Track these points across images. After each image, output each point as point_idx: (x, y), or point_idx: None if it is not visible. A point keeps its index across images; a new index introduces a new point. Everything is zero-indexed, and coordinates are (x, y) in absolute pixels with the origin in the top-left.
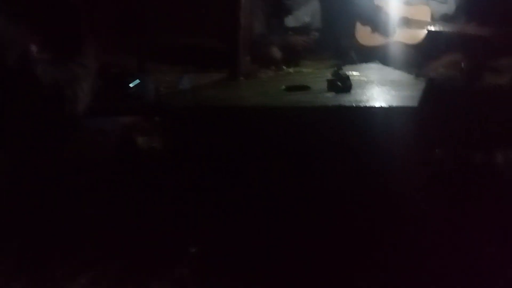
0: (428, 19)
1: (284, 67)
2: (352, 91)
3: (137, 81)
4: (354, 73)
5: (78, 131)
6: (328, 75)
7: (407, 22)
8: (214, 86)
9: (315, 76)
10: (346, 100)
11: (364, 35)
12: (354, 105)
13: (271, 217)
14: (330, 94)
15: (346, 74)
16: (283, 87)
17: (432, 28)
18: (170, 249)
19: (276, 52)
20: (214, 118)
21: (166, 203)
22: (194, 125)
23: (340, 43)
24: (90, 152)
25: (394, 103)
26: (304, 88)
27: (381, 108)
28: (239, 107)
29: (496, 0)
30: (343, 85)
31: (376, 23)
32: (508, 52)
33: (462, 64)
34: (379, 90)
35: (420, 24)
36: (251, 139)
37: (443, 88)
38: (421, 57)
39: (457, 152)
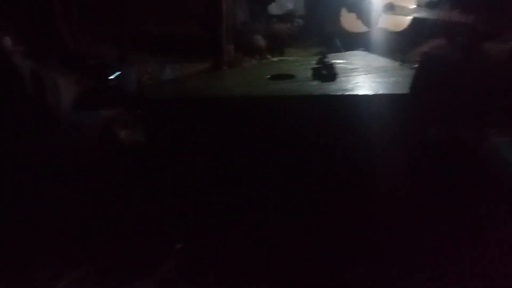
0: (413, 5)
1: (268, 56)
2: (338, 79)
3: (118, 72)
4: (339, 60)
5: (58, 125)
6: (313, 63)
7: (392, 8)
8: (197, 76)
9: (300, 64)
10: (332, 88)
11: (349, 22)
12: (339, 93)
13: (259, 211)
14: (315, 83)
15: (331, 62)
16: (268, 76)
17: (417, 15)
18: (155, 247)
19: (260, 40)
20: (199, 109)
21: (150, 199)
22: (178, 116)
23: (325, 30)
24: (71, 148)
25: (380, 90)
26: (289, 76)
27: (367, 96)
28: (224, 97)
29: None
30: (328, 73)
31: (361, 9)
32: (492, 38)
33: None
34: (364, 77)
35: (405, 10)
36: (236, 130)
37: (438, 62)
38: (406, 43)
39: (451, 136)
